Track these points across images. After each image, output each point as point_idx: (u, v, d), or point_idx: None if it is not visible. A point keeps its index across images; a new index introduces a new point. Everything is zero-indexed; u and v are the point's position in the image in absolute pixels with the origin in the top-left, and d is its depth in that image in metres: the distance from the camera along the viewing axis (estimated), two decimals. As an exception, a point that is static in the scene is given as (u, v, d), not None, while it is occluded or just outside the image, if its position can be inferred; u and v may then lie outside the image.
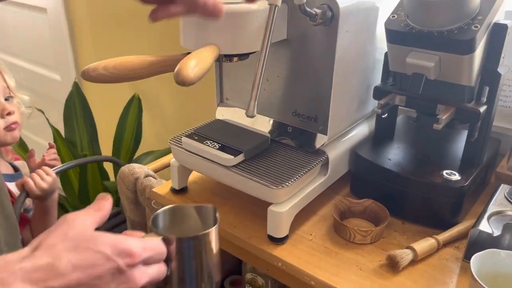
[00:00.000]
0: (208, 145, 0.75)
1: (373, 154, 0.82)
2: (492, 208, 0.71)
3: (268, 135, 0.80)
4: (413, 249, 0.68)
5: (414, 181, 0.75)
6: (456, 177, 0.74)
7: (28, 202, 1.12)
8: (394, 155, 0.82)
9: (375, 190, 0.80)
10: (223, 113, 0.88)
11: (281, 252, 0.70)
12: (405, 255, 0.67)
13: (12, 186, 1.08)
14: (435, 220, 0.76)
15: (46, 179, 1.04)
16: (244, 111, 0.58)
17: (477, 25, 0.66)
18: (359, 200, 0.79)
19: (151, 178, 1.00)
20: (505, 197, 0.74)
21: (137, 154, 1.63)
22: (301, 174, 0.72)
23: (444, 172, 0.75)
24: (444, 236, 0.73)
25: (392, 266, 0.67)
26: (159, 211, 0.50)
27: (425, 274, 0.67)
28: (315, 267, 0.68)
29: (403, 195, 0.78)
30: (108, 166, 1.62)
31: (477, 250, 0.61)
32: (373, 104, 0.86)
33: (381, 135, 0.87)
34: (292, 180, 0.70)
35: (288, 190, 0.70)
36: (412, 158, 0.82)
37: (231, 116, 0.87)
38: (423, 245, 0.70)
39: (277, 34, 0.70)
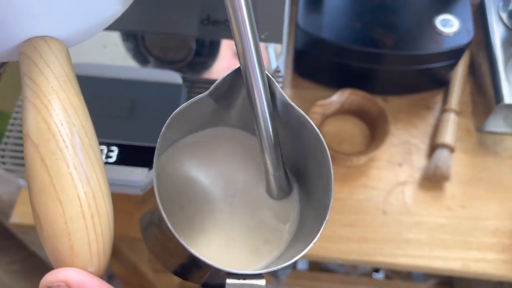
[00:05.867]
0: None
1: (321, 23, 0.54)
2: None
3: (180, 80, 0.47)
4: (447, 146, 0.53)
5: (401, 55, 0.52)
6: (454, 27, 0.52)
7: None
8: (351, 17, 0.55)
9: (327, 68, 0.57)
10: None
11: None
12: (446, 163, 0.52)
13: None
14: (424, 87, 0.58)
15: None
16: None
17: None
18: (331, 97, 0.55)
19: None
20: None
21: None
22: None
23: (438, 21, 0.52)
24: (453, 101, 0.56)
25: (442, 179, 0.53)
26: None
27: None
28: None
29: (381, 71, 0.56)
30: None
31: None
32: None
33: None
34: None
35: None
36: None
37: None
38: (450, 133, 0.54)
39: None
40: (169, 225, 0.20)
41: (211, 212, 0.27)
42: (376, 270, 0.98)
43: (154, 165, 0.22)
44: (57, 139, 0.21)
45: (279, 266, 0.22)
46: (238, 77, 0.24)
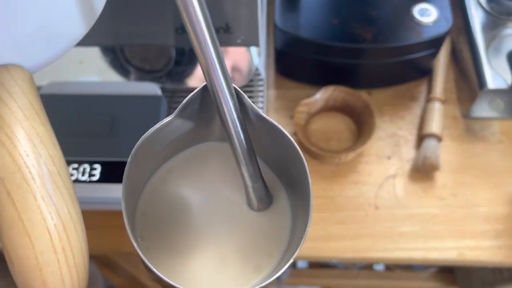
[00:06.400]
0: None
1: (299, 22, 0.53)
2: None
3: (159, 92, 0.46)
4: (434, 136, 0.53)
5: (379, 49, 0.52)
6: (433, 16, 0.52)
7: None
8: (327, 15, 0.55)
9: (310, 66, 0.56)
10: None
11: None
12: (435, 153, 0.52)
13: None
14: (407, 77, 0.58)
15: None
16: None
17: None
18: (315, 95, 0.55)
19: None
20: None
21: None
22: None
23: (416, 11, 0.52)
24: (438, 90, 0.56)
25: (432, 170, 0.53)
26: None
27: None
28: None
29: (363, 65, 0.55)
30: None
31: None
32: None
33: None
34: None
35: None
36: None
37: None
38: (436, 123, 0.54)
39: None
40: (145, 260, 0.20)
41: (204, 231, 0.27)
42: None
43: (123, 193, 0.22)
44: (23, 171, 0.20)
45: (263, 284, 0.21)
46: (207, 94, 0.23)
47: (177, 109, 0.23)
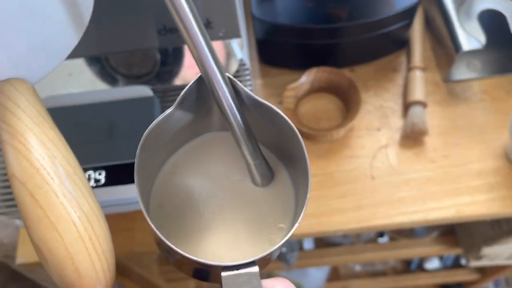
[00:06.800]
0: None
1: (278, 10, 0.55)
2: None
3: (150, 93, 0.47)
4: (419, 102, 0.55)
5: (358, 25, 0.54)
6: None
7: None
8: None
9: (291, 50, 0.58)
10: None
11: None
12: (422, 118, 0.54)
13: None
14: (386, 51, 0.60)
15: None
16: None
17: None
18: (300, 79, 0.57)
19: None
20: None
21: None
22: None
23: (386, -15, 0.54)
24: (417, 59, 0.58)
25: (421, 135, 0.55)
26: None
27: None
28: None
29: (342, 43, 0.57)
30: None
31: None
32: None
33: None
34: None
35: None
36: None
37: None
38: (419, 90, 0.56)
39: None
40: (161, 237, 0.22)
41: (216, 214, 0.28)
42: (381, 235, 1.00)
43: (136, 187, 0.23)
44: (41, 172, 0.22)
45: (267, 252, 0.23)
46: (203, 85, 0.25)
47: (176, 101, 0.24)
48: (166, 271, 0.86)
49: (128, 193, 0.43)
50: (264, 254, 0.23)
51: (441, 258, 1.07)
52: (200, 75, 0.25)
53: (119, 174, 0.42)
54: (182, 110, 0.25)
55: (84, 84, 0.50)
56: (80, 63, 0.50)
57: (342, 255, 0.87)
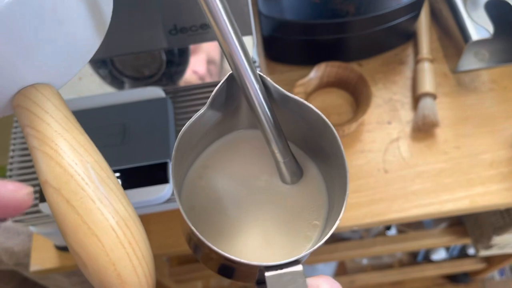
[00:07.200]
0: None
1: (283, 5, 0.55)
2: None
3: (162, 94, 0.47)
4: (429, 94, 0.55)
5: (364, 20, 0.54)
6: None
7: None
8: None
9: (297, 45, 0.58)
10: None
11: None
12: (432, 110, 0.54)
13: None
14: (393, 43, 0.60)
15: None
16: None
17: None
18: (309, 74, 0.57)
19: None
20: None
21: None
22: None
23: (393, -23, 0.53)
24: (424, 51, 0.58)
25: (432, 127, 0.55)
26: None
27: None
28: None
29: (349, 38, 0.57)
30: None
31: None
32: None
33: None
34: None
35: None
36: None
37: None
38: (429, 81, 0.55)
39: None
40: (199, 236, 0.21)
41: (248, 214, 0.28)
42: (388, 228, 1.00)
43: (174, 187, 0.23)
44: (75, 178, 0.21)
45: (310, 250, 0.23)
46: (232, 83, 0.25)
47: (208, 101, 0.24)
48: (176, 273, 0.86)
49: (143, 196, 0.42)
50: (308, 252, 0.22)
51: (447, 248, 1.07)
52: (230, 74, 0.24)
53: (135, 177, 0.42)
54: (213, 110, 0.25)
55: (95, 87, 0.49)
56: (89, 67, 0.50)
57: (352, 250, 0.87)
